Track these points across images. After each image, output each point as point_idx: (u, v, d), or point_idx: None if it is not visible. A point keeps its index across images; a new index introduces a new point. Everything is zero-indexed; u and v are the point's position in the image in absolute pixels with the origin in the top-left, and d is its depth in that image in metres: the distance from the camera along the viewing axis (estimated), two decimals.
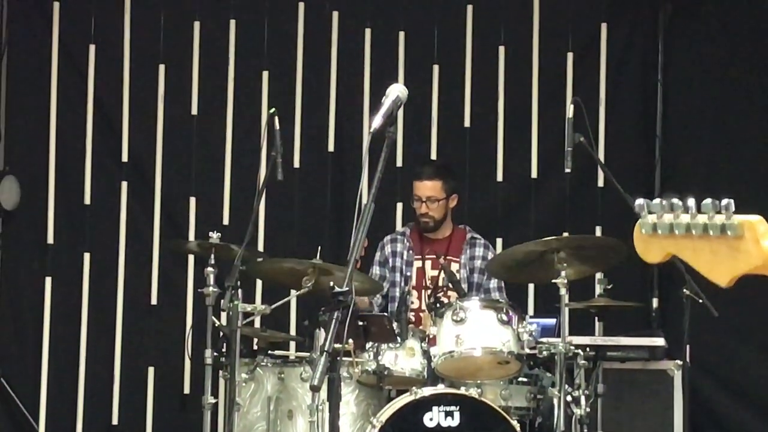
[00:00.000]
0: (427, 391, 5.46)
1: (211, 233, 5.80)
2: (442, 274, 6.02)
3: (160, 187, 7.42)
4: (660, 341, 6.39)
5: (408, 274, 6.49)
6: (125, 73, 7.44)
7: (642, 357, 6.39)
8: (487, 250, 6.54)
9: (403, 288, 6.37)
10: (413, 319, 6.34)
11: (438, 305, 5.69)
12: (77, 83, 7.46)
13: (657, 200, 1.99)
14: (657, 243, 2.01)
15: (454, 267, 6.39)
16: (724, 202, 1.94)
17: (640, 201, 2.00)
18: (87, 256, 7.41)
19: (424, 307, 6.28)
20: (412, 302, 6.40)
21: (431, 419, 5.38)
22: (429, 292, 6.08)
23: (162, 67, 7.46)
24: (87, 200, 7.42)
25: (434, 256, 6.40)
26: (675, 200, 1.97)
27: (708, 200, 1.94)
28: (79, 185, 7.41)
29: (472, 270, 6.48)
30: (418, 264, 6.51)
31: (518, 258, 5.82)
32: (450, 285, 6.00)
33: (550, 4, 7.44)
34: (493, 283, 6.42)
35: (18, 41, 7.53)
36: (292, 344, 6.49)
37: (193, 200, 7.41)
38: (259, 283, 6.97)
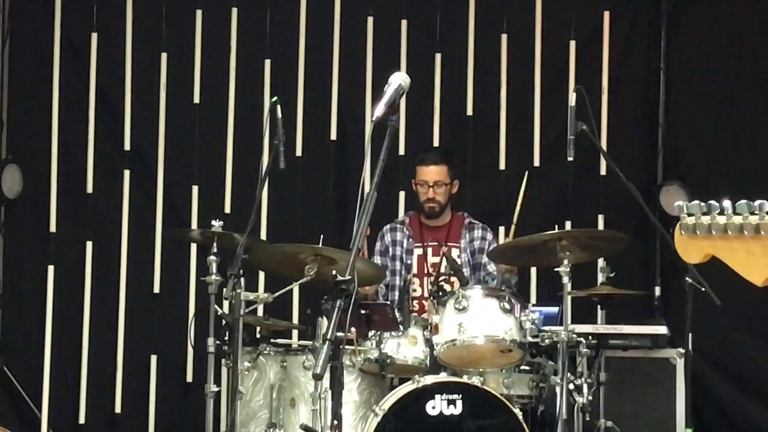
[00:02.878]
0: (429, 379, 5.46)
1: (213, 222, 5.80)
2: (444, 262, 6.02)
3: (163, 176, 7.43)
4: (662, 329, 6.39)
5: (409, 262, 6.50)
6: (127, 62, 7.44)
7: (644, 345, 6.39)
8: (486, 231, 6.57)
9: (406, 276, 6.38)
10: (416, 306, 6.35)
11: (440, 293, 5.69)
12: (79, 72, 7.46)
13: (695, 202, 2.01)
14: (696, 244, 2.04)
15: (455, 253, 6.41)
16: (758, 202, 1.96)
17: (679, 203, 2.03)
18: (89, 244, 7.41)
19: (426, 294, 6.30)
20: (415, 290, 6.42)
21: (434, 407, 5.38)
22: (431, 279, 6.09)
23: (164, 56, 7.46)
24: (89, 189, 7.42)
25: (435, 243, 6.42)
26: (712, 202, 1.99)
27: (743, 201, 1.97)
28: (82, 174, 7.41)
29: (473, 252, 6.51)
30: (418, 252, 6.52)
31: (520, 246, 5.83)
32: (452, 273, 6.00)
33: None
34: (491, 265, 6.44)
35: (20, 30, 7.53)
36: (295, 332, 6.49)
37: (195, 189, 7.41)
38: (261, 271, 6.97)
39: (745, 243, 1.98)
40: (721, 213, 2.00)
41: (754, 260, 1.99)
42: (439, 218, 6.56)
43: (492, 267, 6.42)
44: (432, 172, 6.45)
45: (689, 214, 2.03)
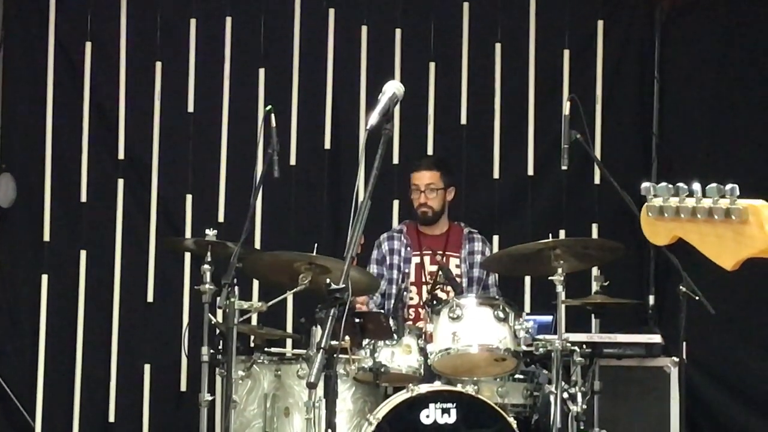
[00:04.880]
0: (423, 388, 5.46)
1: (207, 230, 5.80)
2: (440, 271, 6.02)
3: (157, 185, 7.42)
4: (656, 338, 6.39)
5: (406, 270, 6.50)
6: (122, 71, 7.44)
7: (638, 354, 6.39)
8: (485, 245, 6.56)
9: (400, 285, 6.37)
10: (413, 314, 6.34)
11: (435, 302, 5.69)
12: (73, 80, 7.46)
13: (663, 184, 1.99)
14: (663, 226, 2.02)
15: (454, 262, 6.41)
16: (728, 186, 1.95)
17: (646, 184, 2.00)
18: (83, 253, 7.40)
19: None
20: (411, 298, 6.41)
21: (428, 416, 5.37)
22: (428, 287, 6.09)
23: (158, 65, 7.46)
24: (83, 197, 7.42)
25: (431, 252, 6.42)
26: (680, 184, 1.98)
27: (713, 185, 1.95)
28: (76, 182, 7.41)
29: (472, 265, 6.50)
30: (416, 260, 6.52)
31: (514, 254, 5.83)
32: (446, 282, 6.00)
33: (547, 1, 7.43)
34: (492, 278, 6.45)
35: (14, 38, 7.53)
36: (289, 341, 6.49)
37: (189, 197, 7.40)
38: (255, 280, 6.96)
39: (715, 227, 1.97)
40: (690, 196, 1.98)
41: (724, 244, 1.97)
42: (437, 226, 6.55)
43: (494, 290, 6.42)
44: (424, 177, 6.47)
45: (656, 196, 2.02)
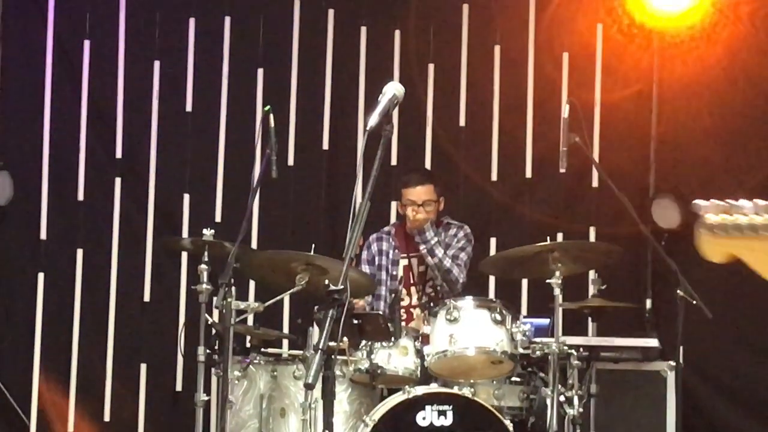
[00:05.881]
0: (420, 390, 5.45)
1: (204, 230, 5.78)
2: (431, 272, 6.01)
3: (154, 184, 7.41)
4: (653, 342, 6.38)
5: (394, 272, 6.49)
6: (120, 70, 7.44)
7: (635, 358, 6.38)
8: (460, 230, 6.51)
9: (397, 287, 6.37)
10: (405, 315, 6.34)
11: (432, 304, 5.68)
12: (72, 79, 7.45)
13: (713, 201, 1.99)
14: (718, 243, 2.01)
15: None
16: None
17: (699, 202, 2.00)
18: (80, 252, 7.40)
19: (414, 303, 6.31)
20: (402, 299, 6.41)
21: (424, 418, 5.37)
22: (419, 287, 6.10)
23: (157, 64, 7.45)
24: (80, 196, 7.41)
25: (419, 254, 6.41)
26: (732, 201, 1.97)
27: (763, 202, 1.95)
28: (73, 181, 7.40)
29: (447, 247, 6.44)
30: (404, 262, 6.52)
31: (512, 257, 5.82)
32: (444, 283, 6.00)
33: (546, 4, 7.43)
34: (453, 251, 6.41)
35: (12, 37, 7.52)
36: (285, 342, 6.47)
37: (186, 197, 7.40)
38: (252, 280, 6.95)
39: (764, 243, 1.96)
40: (740, 213, 1.98)
41: None
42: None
43: (456, 271, 6.37)
44: (420, 192, 6.43)
45: (708, 214, 2.01)
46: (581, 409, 5.59)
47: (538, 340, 5.71)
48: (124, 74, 7.44)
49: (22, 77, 7.55)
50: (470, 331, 5.52)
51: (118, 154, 7.44)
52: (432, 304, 5.69)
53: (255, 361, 5.71)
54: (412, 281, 6.45)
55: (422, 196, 6.42)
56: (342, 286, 3.43)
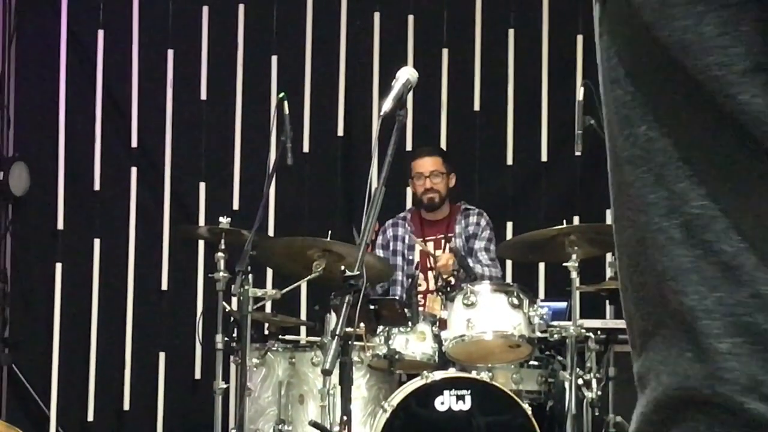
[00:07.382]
0: (438, 375, 5.44)
1: (221, 218, 5.79)
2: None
3: (170, 173, 7.42)
4: None
5: (411, 257, 6.50)
6: (134, 59, 7.44)
7: None
8: (480, 217, 6.54)
9: (414, 272, 6.37)
10: (421, 300, 6.35)
11: (449, 289, 5.68)
12: (86, 69, 7.46)
13: None
14: None
15: (453, 242, 6.44)
16: None
17: None
18: (97, 241, 7.41)
19: (431, 288, 6.31)
20: (419, 284, 6.41)
21: (442, 403, 5.36)
22: (435, 273, 6.10)
23: (171, 53, 7.45)
24: (97, 186, 7.42)
25: (434, 238, 6.43)
26: None
27: None
28: (89, 171, 7.41)
29: (467, 238, 6.49)
30: (420, 247, 6.53)
31: (528, 241, 5.82)
32: (461, 269, 5.99)
33: None
34: (483, 243, 6.43)
35: (27, 27, 7.53)
36: (303, 329, 6.48)
37: (202, 185, 7.41)
38: (269, 267, 6.96)
39: None
40: None
41: None
42: (440, 212, 6.56)
43: (483, 255, 6.40)
44: (427, 163, 6.49)
45: None
46: (600, 392, 5.57)
47: (555, 323, 5.70)
48: (139, 63, 7.45)
49: (37, 68, 7.57)
50: (487, 315, 5.51)
51: (134, 144, 7.45)
52: (448, 289, 5.68)
53: (273, 348, 5.72)
54: (429, 266, 6.45)
55: (429, 167, 6.45)
56: (358, 272, 3.43)
